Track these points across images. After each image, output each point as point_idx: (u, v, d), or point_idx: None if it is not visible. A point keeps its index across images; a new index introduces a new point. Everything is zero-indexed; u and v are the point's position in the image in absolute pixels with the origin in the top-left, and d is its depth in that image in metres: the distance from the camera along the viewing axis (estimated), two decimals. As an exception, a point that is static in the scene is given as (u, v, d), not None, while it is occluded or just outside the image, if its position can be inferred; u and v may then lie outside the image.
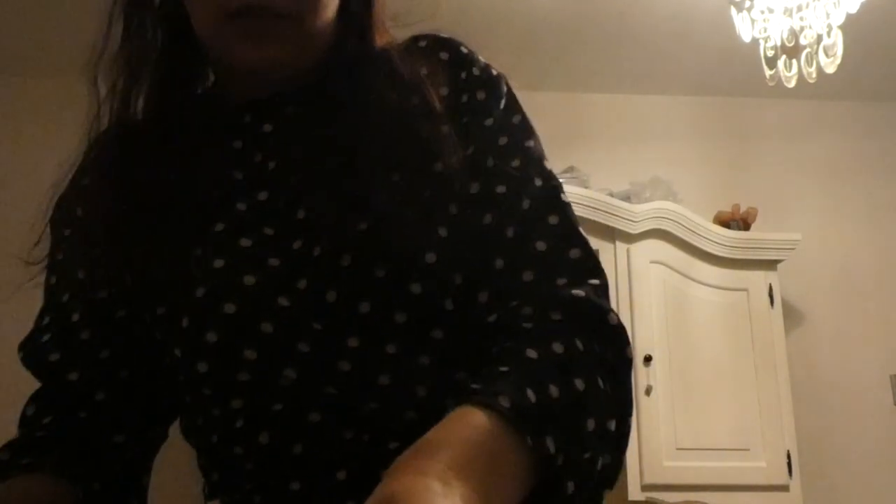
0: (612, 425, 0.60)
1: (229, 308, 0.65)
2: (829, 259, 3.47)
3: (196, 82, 0.80)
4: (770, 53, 2.55)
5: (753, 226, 3.23)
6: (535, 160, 0.72)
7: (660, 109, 3.63)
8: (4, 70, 3.32)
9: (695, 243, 3.08)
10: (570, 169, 3.26)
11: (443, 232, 0.67)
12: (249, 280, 0.66)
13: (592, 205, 3.04)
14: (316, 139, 0.72)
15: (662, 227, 3.07)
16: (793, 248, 3.14)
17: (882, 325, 3.42)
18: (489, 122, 0.72)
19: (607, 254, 3.03)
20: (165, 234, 0.70)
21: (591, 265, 0.67)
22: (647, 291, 3.00)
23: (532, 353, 0.59)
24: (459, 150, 0.69)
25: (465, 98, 0.73)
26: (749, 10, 2.56)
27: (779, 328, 3.05)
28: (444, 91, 0.72)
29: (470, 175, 0.69)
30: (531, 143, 0.73)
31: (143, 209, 0.71)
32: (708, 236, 3.09)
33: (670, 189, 3.24)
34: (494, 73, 0.75)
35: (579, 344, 0.61)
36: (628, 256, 3.03)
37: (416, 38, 0.76)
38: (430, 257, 0.66)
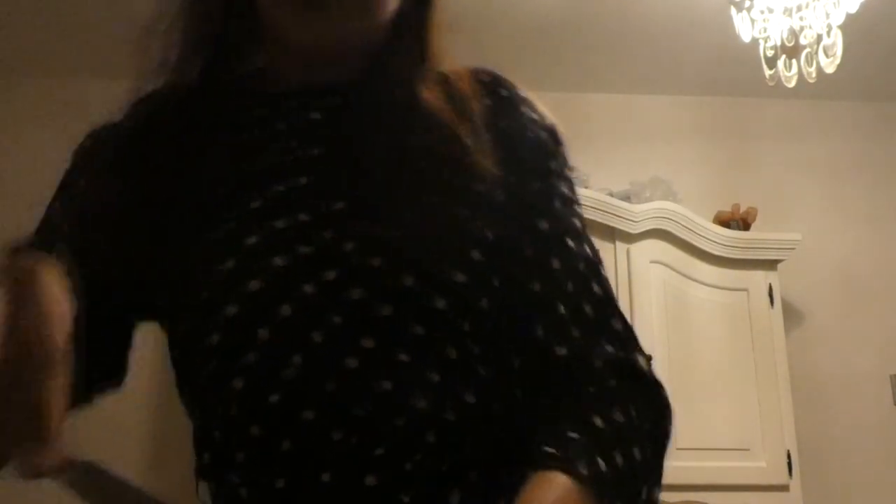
0: (656, 493, 0.65)
1: (254, 285, 0.65)
2: (829, 259, 3.47)
3: (244, 63, 0.79)
4: (770, 53, 2.55)
5: (753, 226, 3.23)
6: (584, 225, 0.75)
7: (660, 109, 3.63)
8: (7, 70, 3.32)
9: (695, 243, 3.08)
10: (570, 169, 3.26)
11: (476, 255, 0.68)
12: (279, 261, 0.66)
13: (592, 205, 3.03)
14: (359, 137, 0.72)
15: (662, 227, 3.07)
16: (793, 248, 3.14)
17: (882, 325, 3.42)
18: (553, 165, 0.75)
19: (607, 254, 3.03)
20: (200, 201, 0.70)
21: (634, 339, 0.72)
22: (647, 291, 3.00)
23: (598, 422, 0.63)
24: (509, 181, 0.71)
25: (529, 134, 0.75)
26: (749, 9, 2.56)
27: (779, 328, 3.05)
28: (504, 124, 0.74)
29: (530, 214, 0.71)
30: (581, 207, 0.76)
31: (180, 173, 0.71)
32: (708, 236, 3.09)
33: (670, 189, 3.24)
34: (552, 121, 0.79)
35: (634, 413, 0.66)
36: (628, 256, 3.03)
37: (477, 71, 0.78)
38: (460, 277, 0.66)
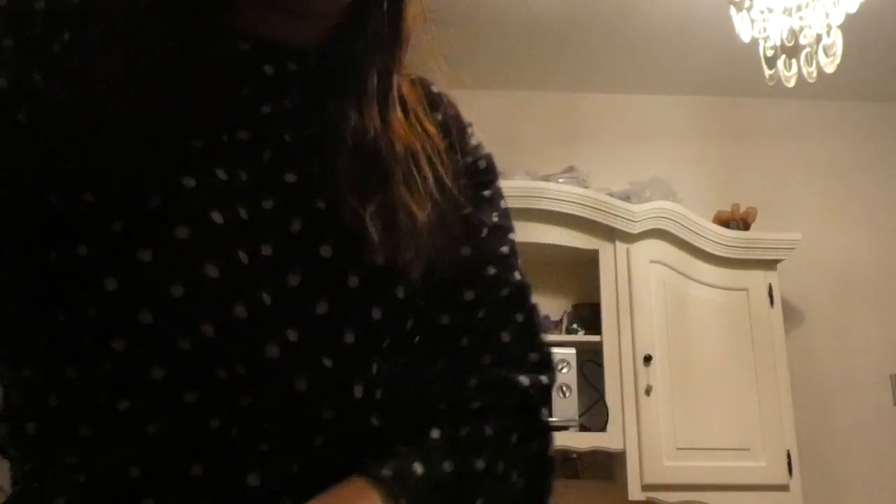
0: None
1: (182, 233, 0.56)
2: (829, 259, 3.48)
3: None
4: (770, 53, 2.55)
5: (753, 225, 3.23)
6: (516, 252, 0.72)
7: (660, 109, 3.63)
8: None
9: (695, 243, 3.08)
10: (570, 169, 3.27)
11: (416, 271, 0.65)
12: (218, 218, 0.58)
13: (592, 205, 3.04)
14: (311, 114, 0.66)
15: (662, 227, 3.07)
16: (793, 248, 3.14)
17: (882, 324, 3.42)
18: (487, 193, 0.73)
19: (607, 254, 3.03)
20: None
21: (546, 365, 0.69)
22: (647, 291, 3.01)
23: (435, 434, 0.61)
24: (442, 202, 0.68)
25: (469, 160, 0.72)
26: (748, 9, 2.56)
27: (779, 328, 3.05)
28: (446, 143, 0.71)
29: (461, 239, 0.69)
30: (514, 235, 0.74)
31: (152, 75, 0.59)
32: (708, 236, 3.10)
33: (670, 189, 3.24)
34: (488, 150, 0.76)
35: (489, 430, 0.63)
36: (628, 256, 3.04)
37: (423, 80, 0.75)
38: (400, 291, 0.63)
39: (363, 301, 0.61)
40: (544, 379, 0.68)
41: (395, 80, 0.69)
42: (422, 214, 0.64)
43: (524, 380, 0.66)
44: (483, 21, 3.10)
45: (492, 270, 0.69)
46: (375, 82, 0.67)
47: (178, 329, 0.55)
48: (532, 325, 0.70)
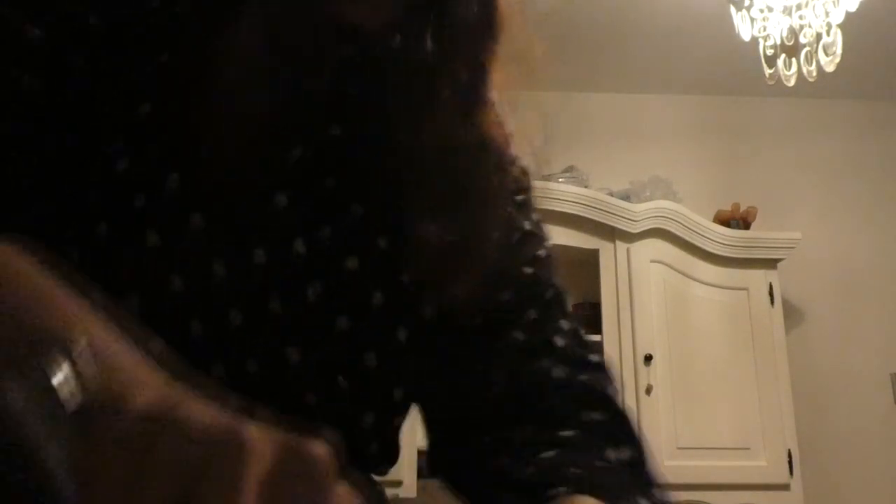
0: None
1: (219, 270, 0.50)
2: (829, 258, 3.47)
3: None
4: (769, 52, 2.55)
5: (753, 225, 3.23)
6: (553, 260, 0.69)
7: (660, 109, 3.63)
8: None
9: (695, 242, 3.08)
10: (570, 168, 3.27)
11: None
12: (260, 258, 0.53)
13: (592, 204, 3.04)
14: (369, 106, 0.58)
15: (662, 227, 3.07)
16: (793, 247, 3.14)
17: (882, 324, 3.42)
18: (520, 198, 0.67)
19: (607, 253, 3.03)
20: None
21: (611, 371, 0.66)
22: (647, 291, 3.00)
23: (612, 455, 0.59)
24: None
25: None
26: (748, 8, 2.56)
27: (779, 327, 3.05)
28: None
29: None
30: (550, 244, 0.69)
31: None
32: (708, 235, 3.10)
33: (670, 188, 3.24)
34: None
35: (635, 454, 0.62)
36: (628, 256, 3.03)
37: None
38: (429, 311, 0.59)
39: (387, 319, 0.56)
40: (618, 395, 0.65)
41: (489, 77, 0.60)
42: (492, 241, 0.59)
43: (612, 390, 0.63)
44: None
45: (528, 270, 0.64)
46: (466, 79, 0.59)
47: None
48: (580, 332, 0.66)
